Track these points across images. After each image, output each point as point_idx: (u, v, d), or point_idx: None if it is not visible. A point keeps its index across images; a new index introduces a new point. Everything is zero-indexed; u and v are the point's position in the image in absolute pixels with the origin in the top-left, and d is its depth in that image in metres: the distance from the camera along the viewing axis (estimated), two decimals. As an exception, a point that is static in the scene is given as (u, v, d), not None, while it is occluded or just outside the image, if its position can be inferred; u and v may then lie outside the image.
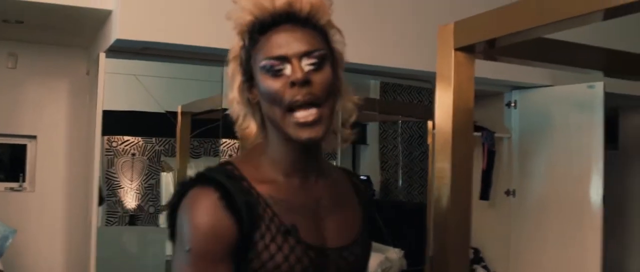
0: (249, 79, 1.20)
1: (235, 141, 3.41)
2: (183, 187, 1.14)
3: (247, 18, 1.19)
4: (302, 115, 1.12)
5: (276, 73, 1.14)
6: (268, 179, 1.19)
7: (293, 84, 1.12)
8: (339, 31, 1.24)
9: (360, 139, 4.13)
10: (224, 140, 3.54)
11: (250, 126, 1.23)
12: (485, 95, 3.55)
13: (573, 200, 3.17)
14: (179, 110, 3.78)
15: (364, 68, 2.93)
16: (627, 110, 4.31)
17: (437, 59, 1.31)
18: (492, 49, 1.31)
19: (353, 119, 1.28)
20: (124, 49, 2.61)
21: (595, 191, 3.10)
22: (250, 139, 1.24)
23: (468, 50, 1.28)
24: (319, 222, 1.21)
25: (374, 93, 4.34)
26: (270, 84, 1.14)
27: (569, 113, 3.24)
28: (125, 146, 3.75)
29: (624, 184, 4.30)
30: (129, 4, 2.43)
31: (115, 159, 3.70)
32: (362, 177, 1.57)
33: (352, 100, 1.25)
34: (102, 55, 2.62)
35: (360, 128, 3.88)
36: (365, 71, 3.05)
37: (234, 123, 1.24)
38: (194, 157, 3.96)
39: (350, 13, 2.85)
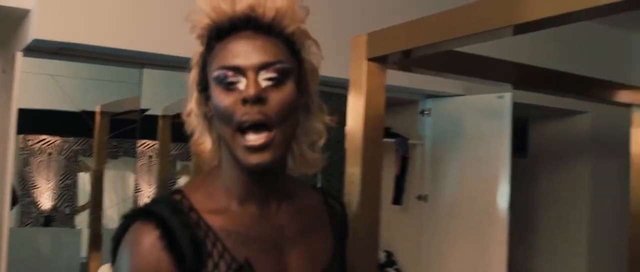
0: (205, 90, 1.07)
1: (154, 141, 3.39)
2: (126, 220, 1.02)
3: (204, 21, 1.05)
4: (252, 138, 0.99)
5: (229, 86, 1.01)
6: (221, 208, 1.06)
7: (245, 101, 0.99)
8: (315, 42, 1.12)
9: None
10: (142, 141, 3.51)
11: (206, 143, 1.10)
12: (401, 103, 3.65)
13: (481, 205, 3.31)
14: (98, 110, 3.73)
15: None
16: (536, 120, 4.52)
17: (350, 68, 1.33)
18: (405, 60, 1.32)
19: (321, 142, 1.15)
20: (42, 49, 2.57)
21: (502, 197, 3.24)
22: (205, 157, 1.12)
23: (380, 60, 1.31)
24: (280, 256, 1.07)
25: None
26: (222, 98, 1.01)
27: (479, 122, 3.37)
28: (42, 145, 3.66)
29: (532, 190, 4.50)
30: (47, 3, 2.40)
31: (31, 159, 3.62)
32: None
33: (323, 121, 1.14)
34: (19, 55, 2.57)
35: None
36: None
37: (190, 137, 1.12)
38: (112, 158, 3.92)
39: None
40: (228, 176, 1.08)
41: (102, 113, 3.78)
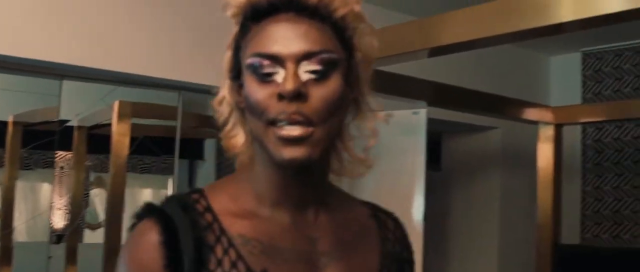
0: (238, 77, 0.93)
1: (69, 152, 3.33)
2: (137, 216, 0.93)
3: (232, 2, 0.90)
4: (287, 128, 0.84)
5: (264, 77, 0.86)
6: (245, 212, 0.93)
7: (281, 96, 0.84)
8: (370, 27, 0.94)
9: (198, 154, 4.16)
10: (59, 152, 3.43)
11: (238, 136, 0.96)
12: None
13: (399, 217, 3.38)
14: (10, 120, 3.62)
15: (195, 86, 2.94)
16: (449, 135, 4.67)
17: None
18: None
19: (373, 142, 1.00)
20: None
21: (417, 209, 3.33)
22: (236, 153, 0.97)
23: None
24: (311, 269, 0.92)
25: (212, 109, 4.36)
26: (255, 90, 0.86)
27: (396, 137, 3.46)
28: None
29: (446, 202, 4.65)
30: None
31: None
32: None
33: (375, 118, 0.98)
34: None
35: (197, 144, 3.91)
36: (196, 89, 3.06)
37: (220, 129, 0.97)
38: (25, 169, 3.80)
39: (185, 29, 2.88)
40: (260, 176, 0.94)
41: (15, 123, 3.67)
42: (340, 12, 0.89)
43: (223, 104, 0.97)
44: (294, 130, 0.84)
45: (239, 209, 0.93)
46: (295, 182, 0.93)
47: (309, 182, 0.94)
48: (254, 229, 0.91)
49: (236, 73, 0.93)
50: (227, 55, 0.95)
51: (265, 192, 0.94)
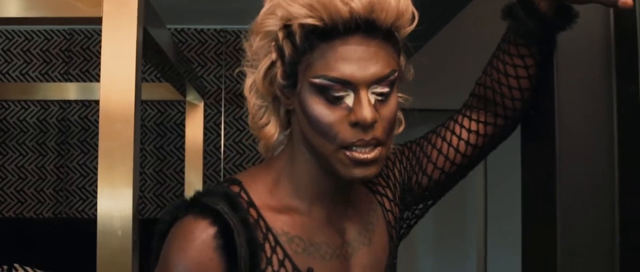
0: (292, 85, 0.90)
1: None
2: (175, 212, 0.90)
3: (307, 20, 0.84)
4: (360, 152, 0.87)
5: (334, 100, 0.86)
6: (284, 207, 0.94)
7: (357, 124, 0.85)
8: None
9: None
10: None
11: (270, 125, 0.95)
12: None
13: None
14: None
15: None
16: None
17: None
18: None
19: (400, 130, 1.01)
20: None
21: None
22: (265, 143, 0.96)
23: None
24: (344, 263, 0.96)
25: None
26: (323, 112, 0.86)
27: None
28: None
29: None
30: None
31: None
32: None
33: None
34: None
35: None
36: None
37: (248, 114, 0.96)
38: None
39: None
40: (302, 174, 0.95)
41: None
42: (405, 32, 0.91)
43: (252, 90, 0.94)
44: (369, 154, 0.87)
45: (278, 203, 0.94)
46: (345, 185, 0.96)
47: (348, 182, 0.96)
48: (295, 225, 0.93)
49: (292, 81, 0.90)
50: (262, 42, 0.91)
51: (304, 187, 0.95)
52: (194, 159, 2.79)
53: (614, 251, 1.02)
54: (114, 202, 1.29)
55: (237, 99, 3.23)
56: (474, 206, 3.55)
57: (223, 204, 0.89)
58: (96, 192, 1.31)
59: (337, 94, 0.86)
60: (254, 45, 0.93)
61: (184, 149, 2.92)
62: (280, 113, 0.96)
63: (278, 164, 0.98)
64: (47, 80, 3.25)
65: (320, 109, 0.87)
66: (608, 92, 1.05)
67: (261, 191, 0.95)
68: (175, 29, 3.08)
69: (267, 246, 0.91)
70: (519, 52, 1.02)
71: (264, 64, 0.92)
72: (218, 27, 3.27)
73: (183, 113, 3.12)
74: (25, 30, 3.26)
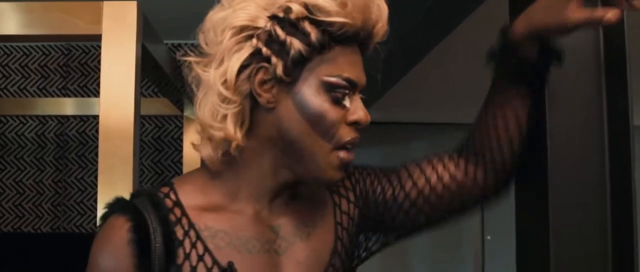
0: (289, 82, 0.90)
1: None
2: (106, 211, 0.93)
3: (338, 19, 0.87)
4: (349, 153, 0.92)
5: (337, 99, 0.90)
6: (213, 205, 0.95)
7: (355, 124, 0.92)
8: None
9: None
10: None
11: (229, 124, 0.90)
12: None
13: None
14: None
15: None
16: None
17: None
18: None
19: None
20: None
21: None
22: (223, 140, 0.92)
23: None
24: (274, 257, 0.96)
25: None
26: (328, 110, 0.90)
27: None
28: None
29: None
30: None
31: None
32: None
33: None
34: None
35: None
36: None
37: (200, 119, 0.93)
38: None
39: None
40: (249, 176, 0.95)
41: None
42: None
43: (218, 87, 0.90)
44: (350, 157, 0.92)
45: (205, 201, 0.95)
46: (285, 184, 0.96)
47: (302, 184, 0.99)
48: (220, 220, 0.94)
49: (293, 77, 0.90)
50: (236, 37, 0.89)
51: (245, 188, 0.95)
52: (192, 174, 2.79)
53: (606, 266, 1.03)
54: (113, 217, 1.30)
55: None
56: (469, 219, 3.55)
57: (145, 203, 0.92)
58: (94, 207, 1.32)
59: (341, 94, 0.90)
60: (223, 39, 0.91)
61: (181, 164, 2.94)
62: (246, 112, 0.92)
63: (218, 166, 0.96)
64: (45, 96, 3.26)
65: (324, 107, 0.90)
66: (599, 109, 1.05)
67: (190, 192, 0.96)
68: (173, 44, 3.10)
69: (187, 241, 0.91)
70: (509, 99, 1.01)
71: (239, 59, 0.89)
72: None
73: (181, 128, 3.13)
74: (23, 46, 3.28)
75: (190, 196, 0.95)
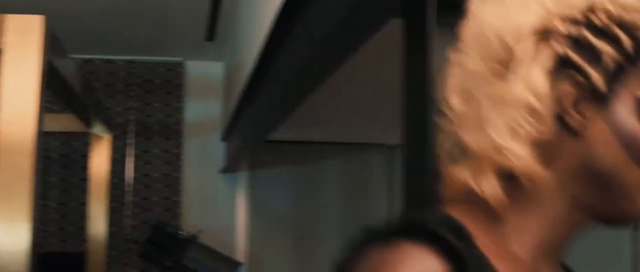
0: (600, 100, 0.71)
1: None
2: (382, 235, 0.67)
3: None
4: None
5: None
6: (505, 251, 0.73)
7: None
8: None
9: None
10: None
11: (527, 160, 0.71)
12: None
13: None
14: None
15: None
16: None
17: None
18: None
19: None
20: None
21: None
22: (525, 173, 0.71)
23: None
24: None
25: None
26: None
27: None
28: None
29: None
30: None
31: None
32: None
33: None
34: None
35: None
36: None
37: (479, 144, 0.72)
38: None
39: None
40: (542, 220, 0.75)
41: None
42: None
43: (540, 98, 0.71)
44: None
45: (497, 246, 0.73)
46: (568, 236, 0.77)
47: (574, 237, 0.79)
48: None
49: (603, 96, 0.71)
50: (539, 44, 0.71)
51: (528, 236, 0.75)
52: (98, 192, 2.73)
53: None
54: (9, 237, 1.26)
55: (145, 131, 3.20)
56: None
57: (450, 235, 0.67)
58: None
59: None
60: (516, 45, 0.73)
61: (87, 182, 2.86)
62: (548, 136, 0.72)
63: (485, 212, 0.75)
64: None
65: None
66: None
67: (481, 231, 0.73)
68: (83, 59, 3.04)
69: None
70: None
71: (542, 66, 0.71)
72: (127, 57, 3.24)
73: (88, 144, 3.06)
74: None
75: (482, 236, 0.72)
